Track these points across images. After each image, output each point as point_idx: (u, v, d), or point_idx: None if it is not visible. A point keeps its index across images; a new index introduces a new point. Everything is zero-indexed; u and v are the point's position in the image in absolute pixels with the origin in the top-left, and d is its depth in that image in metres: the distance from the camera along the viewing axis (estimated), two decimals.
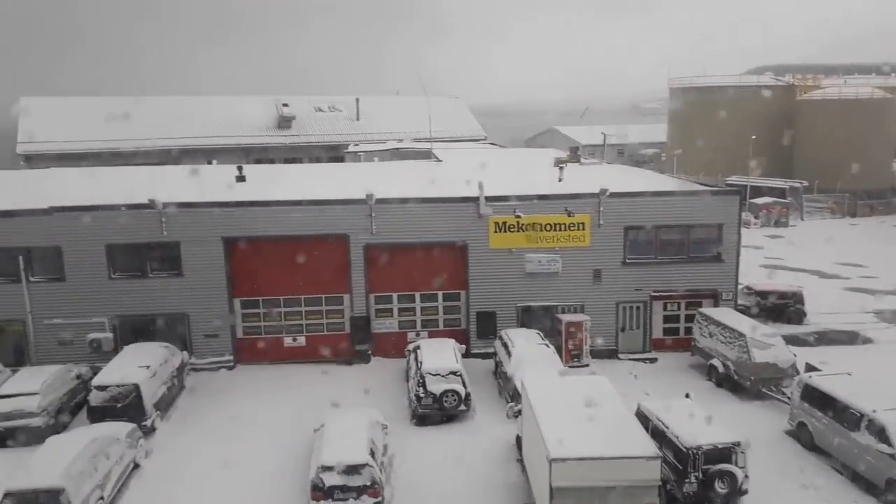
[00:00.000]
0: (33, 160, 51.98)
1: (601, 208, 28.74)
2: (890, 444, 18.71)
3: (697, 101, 74.88)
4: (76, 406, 24.35)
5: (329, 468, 18.01)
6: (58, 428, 22.84)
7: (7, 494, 17.11)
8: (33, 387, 22.98)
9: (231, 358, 28.62)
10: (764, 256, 47.68)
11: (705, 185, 34.32)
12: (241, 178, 33.04)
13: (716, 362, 26.70)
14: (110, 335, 27.53)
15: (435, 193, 29.25)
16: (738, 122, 68.53)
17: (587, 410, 17.79)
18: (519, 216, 28.41)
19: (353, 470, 18.02)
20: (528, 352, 25.00)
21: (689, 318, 29.46)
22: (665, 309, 30.15)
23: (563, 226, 28.79)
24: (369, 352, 29.09)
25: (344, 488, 17.85)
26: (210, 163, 48.82)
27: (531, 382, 19.70)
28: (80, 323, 27.45)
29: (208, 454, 21.51)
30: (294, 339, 29.27)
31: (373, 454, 18.76)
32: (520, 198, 28.68)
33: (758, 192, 62.76)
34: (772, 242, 53.26)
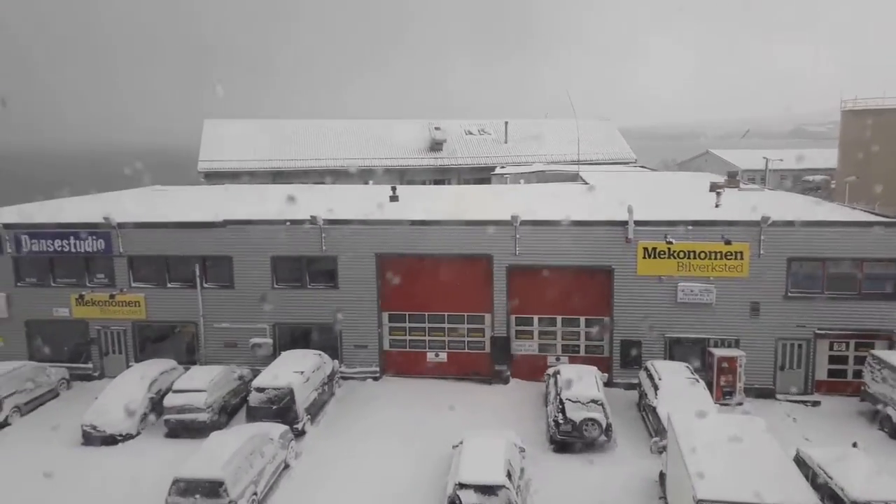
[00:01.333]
0: (212, 177, 57.16)
1: (762, 237, 27.05)
2: None
3: (875, 124, 68.55)
4: (236, 405, 26.30)
5: (466, 486, 18.18)
6: (220, 424, 24.78)
7: (176, 481, 18.80)
8: (201, 384, 25.11)
9: (377, 369, 29.73)
10: None
11: (882, 215, 31.31)
12: (394, 198, 34.48)
13: (890, 411, 24.16)
14: (270, 341, 29.53)
15: (581, 216, 28.90)
16: None
17: (739, 452, 16.75)
18: (670, 242, 27.40)
19: (489, 490, 18.08)
20: (675, 385, 23.96)
21: (859, 360, 26.94)
22: (831, 349, 27.73)
23: (718, 254, 27.39)
24: (508, 373, 29.10)
25: None
26: (367, 183, 51.40)
27: (678, 418, 18.84)
28: (244, 328, 29.69)
29: (352, 461, 22.45)
30: (436, 355, 29.91)
31: (510, 476, 18.73)
32: (672, 223, 27.67)
33: None
34: None
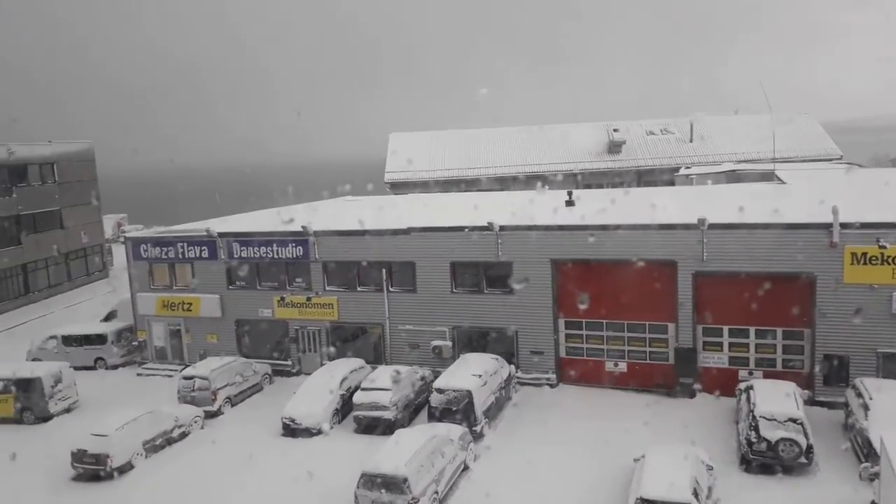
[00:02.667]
0: (397, 187, 60.11)
1: None
2: None
3: None
4: (419, 405, 27.30)
5: (648, 501, 17.47)
6: (403, 422, 25.86)
7: (363, 475, 19.90)
8: (387, 383, 26.36)
9: (554, 376, 29.47)
10: None
11: None
12: (570, 203, 34.03)
13: None
14: (450, 343, 30.39)
15: (777, 219, 26.67)
16: None
17: None
18: (884, 246, 24.47)
19: None
20: (890, 406, 21.30)
21: None
22: None
23: None
24: (694, 386, 27.54)
25: None
26: (543, 188, 51.33)
27: (894, 442, 16.76)
28: (426, 330, 30.80)
29: (530, 467, 22.37)
30: (615, 365, 29.05)
31: (696, 495, 17.72)
32: (886, 225, 24.71)
33: None
34: None
